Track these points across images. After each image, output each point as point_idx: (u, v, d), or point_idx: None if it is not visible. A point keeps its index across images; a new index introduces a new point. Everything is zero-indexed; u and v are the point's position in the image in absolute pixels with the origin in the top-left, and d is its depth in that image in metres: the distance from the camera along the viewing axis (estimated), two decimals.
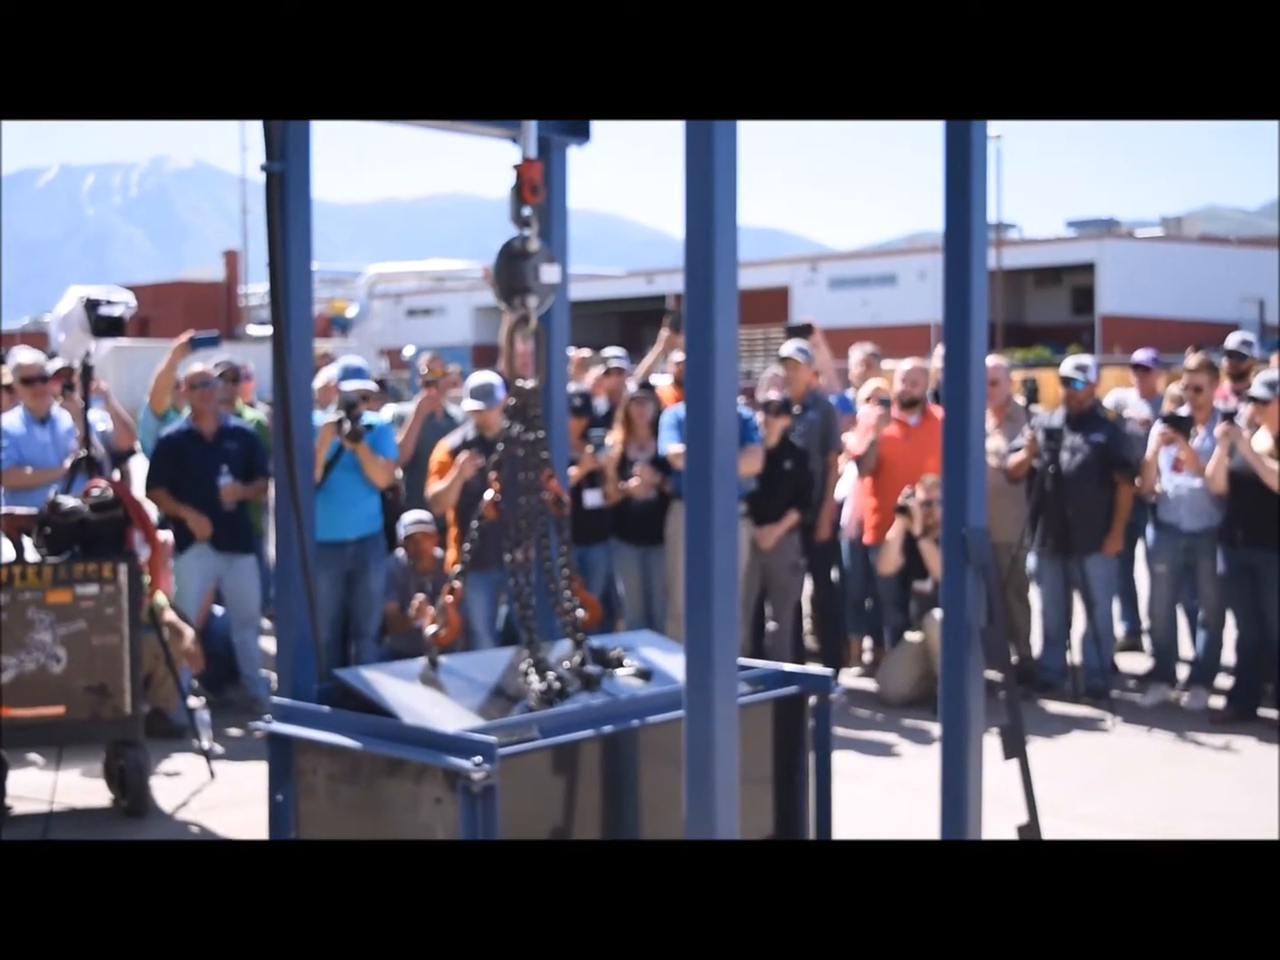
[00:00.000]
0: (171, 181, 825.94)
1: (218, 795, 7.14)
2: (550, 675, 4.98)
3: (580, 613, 5.19)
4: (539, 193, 4.82)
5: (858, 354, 10.37)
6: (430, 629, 5.20)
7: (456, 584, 5.17)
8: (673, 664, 5.34)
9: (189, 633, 7.97)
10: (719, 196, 3.70)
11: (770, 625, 9.34)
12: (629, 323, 65.78)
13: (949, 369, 4.66)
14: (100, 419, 8.95)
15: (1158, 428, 8.82)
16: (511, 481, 5.03)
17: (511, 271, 4.88)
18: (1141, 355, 10.48)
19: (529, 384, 4.99)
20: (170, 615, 7.85)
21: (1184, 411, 8.84)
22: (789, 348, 9.52)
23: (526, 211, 4.83)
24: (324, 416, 8.26)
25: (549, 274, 4.94)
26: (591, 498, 8.78)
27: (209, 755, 7.51)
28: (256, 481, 8.66)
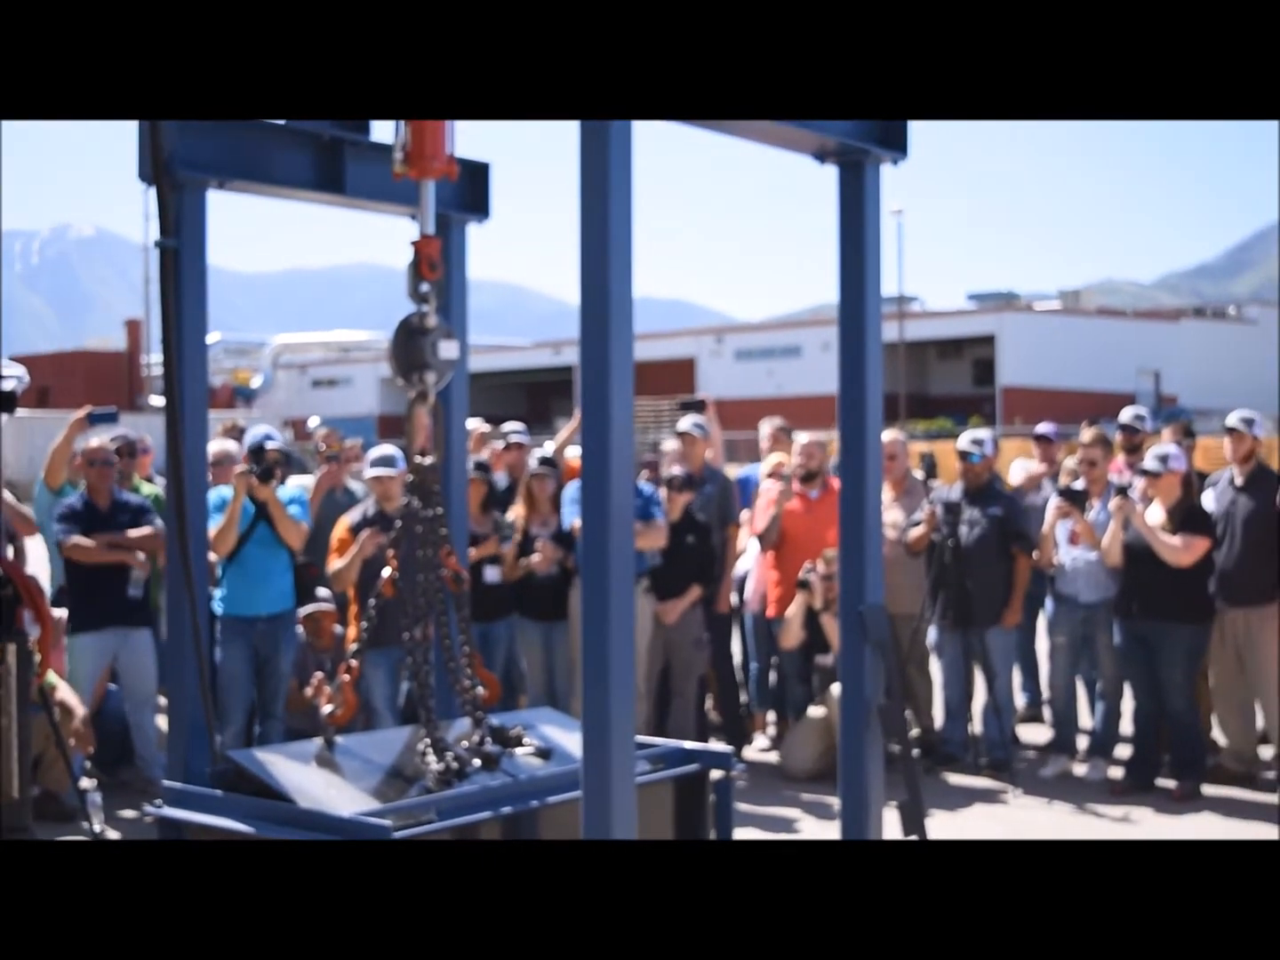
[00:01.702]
0: (74, 249, 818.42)
1: None
2: (448, 755, 4.93)
3: (480, 690, 5.15)
4: (437, 269, 4.82)
5: (766, 428, 10.42)
6: (326, 709, 5.14)
7: (354, 663, 5.12)
8: (573, 742, 5.30)
9: (80, 712, 7.80)
10: (613, 260, 3.72)
11: (674, 700, 9.33)
12: (536, 393, 65.92)
13: (845, 447, 4.70)
14: None
15: (1054, 501, 8.94)
16: (410, 558, 4.99)
17: (409, 347, 4.86)
18: (1044, 427, 10.66)
19: (427, 460, 4.97)
20: (62, 694, 7.68)
21: (1079, 485, 8.97)
22: (686, 423, 9.59)
23: (425, 287, 4.81)
24: (223, 491, 8.19)
25: (448, 350, 4.93)
26: (491, 574, 8.73)
27: (100, 839, 7.34)
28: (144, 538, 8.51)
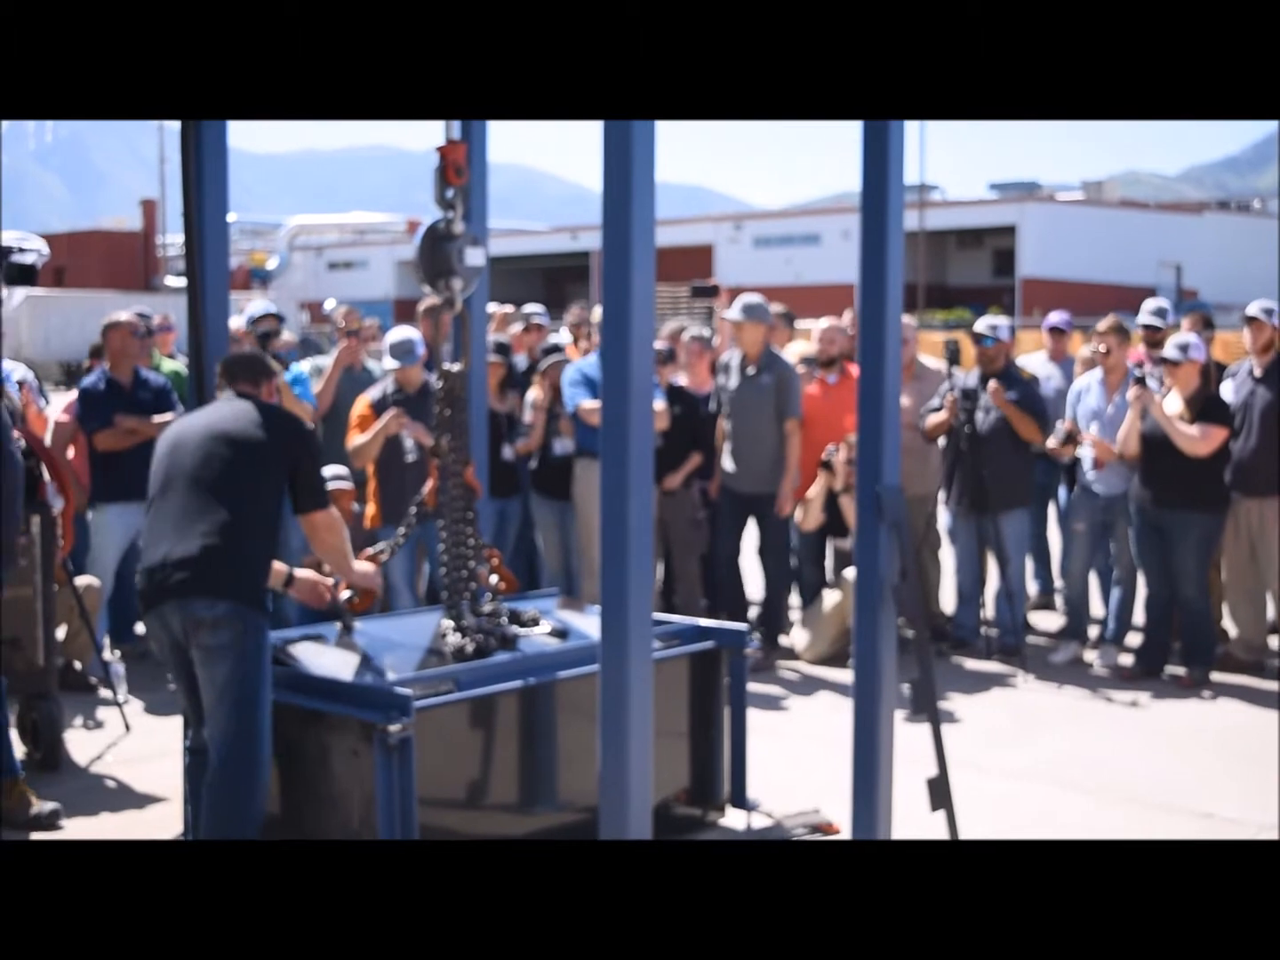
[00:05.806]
0: (87, 128, 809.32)
1: (133, 749, 7.10)
2: (469, 634, 5.02)
3: (496, 581, 5.30)
4: (463, 174, 4.82)
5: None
6: (345, 594, 5.22)
7: (380, 556, 5.25)
8: (588, 624, 5.39)
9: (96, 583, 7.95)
10: (637, 154, 3.71)
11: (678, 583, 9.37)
12: (552, 279, 65.53)
13: (864, 330, 4.70)
14: (15, 368, 8.80)
15: (1053, 441, 8.93)
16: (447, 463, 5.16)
17: (436, 254, 4.88)
18: (1055, 318, 10.55)
19: (456, 367, 5.03)
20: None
21: (1093, 393, 8.89)
22: (735, 311, 9.30)
23: (450, 194, 4.83)
24: None
25: (474, 257, 4.95)
26: (506, 452, 8.75)
27: (123, 708, 7.47)
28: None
